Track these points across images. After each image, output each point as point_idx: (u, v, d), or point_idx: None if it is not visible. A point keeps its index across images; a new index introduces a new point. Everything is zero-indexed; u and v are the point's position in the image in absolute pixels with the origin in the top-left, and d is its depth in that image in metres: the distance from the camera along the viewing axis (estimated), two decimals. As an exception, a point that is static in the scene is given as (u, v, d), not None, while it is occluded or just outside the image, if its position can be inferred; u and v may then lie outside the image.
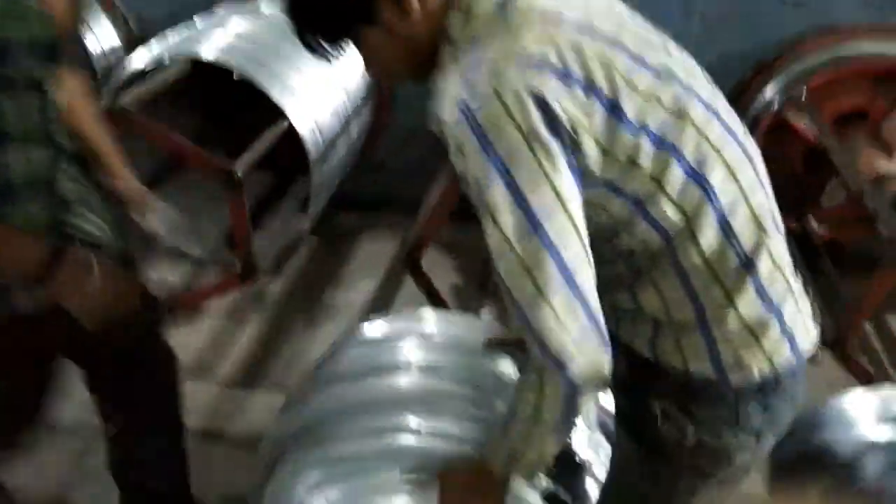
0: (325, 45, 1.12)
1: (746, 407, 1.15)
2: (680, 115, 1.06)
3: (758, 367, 1.12)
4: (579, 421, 1.19)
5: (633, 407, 1.23)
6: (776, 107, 2.78)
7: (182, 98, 2.83)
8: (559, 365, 1.01)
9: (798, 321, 1.15)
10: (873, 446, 1.55)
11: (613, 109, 1.02)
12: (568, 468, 1.38)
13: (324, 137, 2.66)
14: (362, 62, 1.16)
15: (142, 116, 2.40)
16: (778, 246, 1.13)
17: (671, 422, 1.17)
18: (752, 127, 2.77)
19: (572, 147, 1.01)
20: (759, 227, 1.10)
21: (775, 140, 2.77)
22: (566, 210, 0.99)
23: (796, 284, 1.16)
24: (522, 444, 1.12)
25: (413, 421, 1.34)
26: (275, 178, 3.18)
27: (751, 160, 1.13)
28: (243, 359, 2.63)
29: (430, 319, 1.63)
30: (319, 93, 2.70)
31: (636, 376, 1.20)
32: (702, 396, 1.15)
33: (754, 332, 1.11)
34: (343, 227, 3.30)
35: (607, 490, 1.35)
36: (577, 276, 1.00)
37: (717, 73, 1.23)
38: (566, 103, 0.99)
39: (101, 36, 3.02)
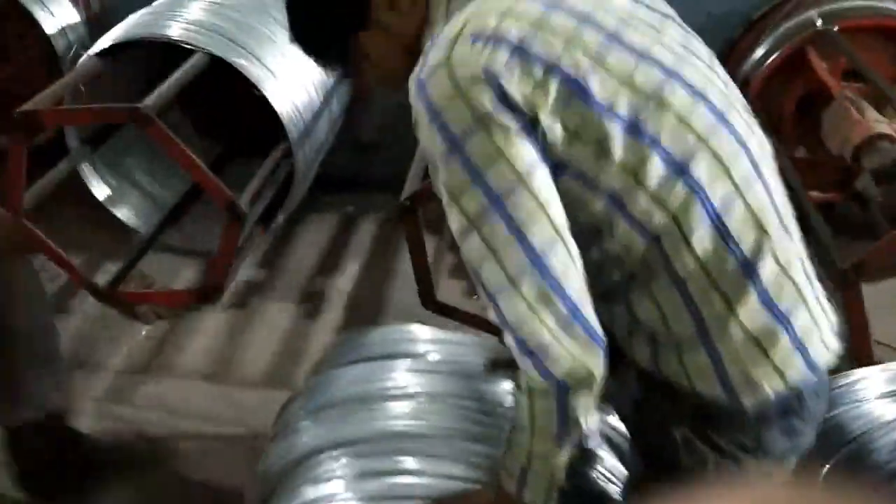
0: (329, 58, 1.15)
1: (769, 432, 1.06)
2: (658, 100, 0.98)
3: (770, 385, 1.03)
4: (592, 435, 1.14)
5: (652, 433, 1.15)
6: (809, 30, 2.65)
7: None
8: (538, 361, 0.95)
9: (813, 334, 1.05)
10: (883, 424, 1.51)
11: (577, 88, 0.96)
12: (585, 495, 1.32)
13: (304, 117, 2.53)
14: (357, 71, 1.14)
15: (164, 130, 2.18)
16: (786, 248, 1.03)
17: (692, 452, 1.09)
18: (743, 87, 2.68)
19: (531, 125, 0.95)
20: (759, 226, 1.00)
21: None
22: (527, 186, 0.94)
23: (812, 292, 1.06)
24: (527, 457, 1.05)
25: (411, 462, 1.27)
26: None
27: (747, 150, 1.02)
28: (234, 354, 2.53)
29: (424, 337, 1.56)
30: (298, 70, 2.56)
31: (652, 399, 1.11)
32: (720, 422, 1.07)
33: (761, 345, 1.01)
34: (326, 210, 3.17)
35: None
36: (549, 258, 0.94)
37: (707, 33, 1.17)
38: (519, 81, 0.95)
39: (59, 14, 2.85)
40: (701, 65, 1.05)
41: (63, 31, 2.87)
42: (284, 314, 2.68)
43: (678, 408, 1.09)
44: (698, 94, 1.01)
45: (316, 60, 1.16)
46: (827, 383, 1.12)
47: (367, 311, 2.70)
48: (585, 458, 1.33)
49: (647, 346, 1.07)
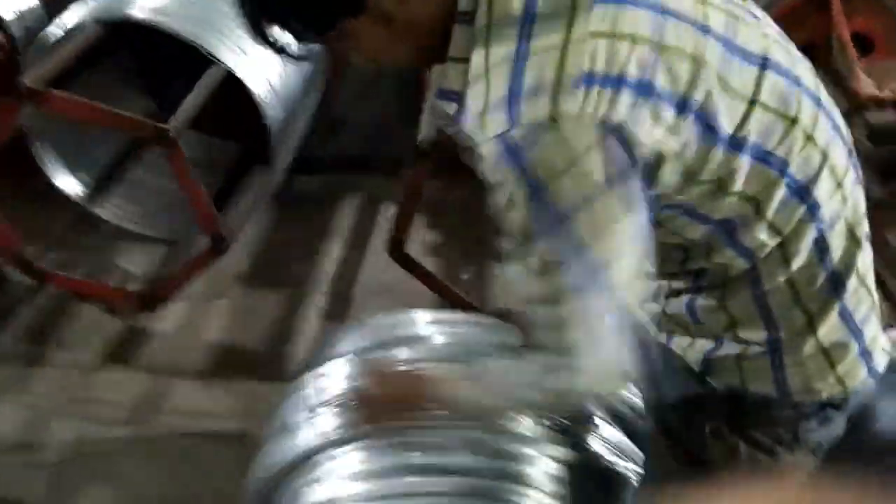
0: (292, 41, 0.92)
1: (807, 424, 1.03)
2: (787, 115, 0.86)
3: (829, 393, 1.00)
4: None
5: (681, 423, 1.12)
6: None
7: (112, 68, 2.56)
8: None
9: (878, 341, 1.02)
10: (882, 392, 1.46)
11: (707, 123, 0.82)
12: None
13: (280, 97, 2.43)
14: (346, 53, 0.96)
15: (50, 92, 2.11)
16: (866, 257, 0.98)
17: (722, 441, 1.06)
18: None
19: (648, 179, 0.83)
20: (853, 238, 0.94)
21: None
22: (623, 256, 0.83)
23: (876, 297, 1.02)
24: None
25: (417, 458, 1.22)
26: (239, 146, 2.93)
27: (852, 158, 0.95)
28: (220, 347, 2.44)
29: (424, 321, 1.49)
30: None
31: (687, 393, 1.08)
32: (758, 417, 1.04)
33: (830, 358, 0.98)
34: (303, 193, 3.06)
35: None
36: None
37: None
38: (649, 127, 0.79)
39: (13, -2, 2.70)
40: (796, 55, 0.93)
41: (20, 15, 2.73)
42: (269, 303, 2.60)
43: (713, 401, 1.05)
44: (815, 99, 0.91)
45: (266, 43, 0.95)
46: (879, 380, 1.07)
47: (355, 294, 2.63)
48: (589, 430, 1.31)
49: (710, 345, 1.01)
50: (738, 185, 0.87)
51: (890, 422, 1.38)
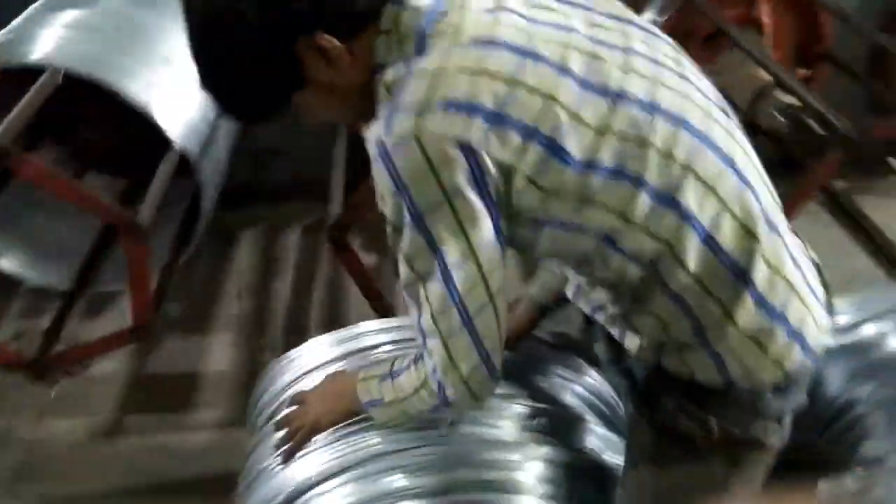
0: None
1: (763, 401, 1.10)
2: (639, 141, 0.98)
3: (769, 377, 1.07)
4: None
5: (646, 406, 1.15)
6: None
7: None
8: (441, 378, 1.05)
9: (807, 320, 1.08)
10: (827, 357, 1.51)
11: (554, 150, 0.95)
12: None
13: (200, 132, 2.31)
14: (299, 116, 1.07)
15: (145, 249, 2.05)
16: (775, 248, 1.05)
17: (690, 417, 1.11)
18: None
19: (505, 197, 0.97)
20: (750, 235, 1.02)
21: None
22: (476, 260, 0.97)
23: (801, 279, 1.08)
24: (394, 402, 1.15)
25: (401, 481, 1.20)
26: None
27: (731, 163, 1.03)
28: (177, 399, 2.34)
29: (370, 330, 1.46)
30: (186, 76, 2.33)
31: (647, 381, 1.13)
32: (716, 400, 1.10)
33: (759, 342, 1.05)
34: (233, 227, 2.98)
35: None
36: (477, 321, 1.01)
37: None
38: (496, 150, 0.94)
39: None
40: (673, 78, 1.04)
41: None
42: (220, 346, 2.51)
43: (672, 385, 1.10)
44: (677, 120, 1.00)
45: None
46: (821, 357, 1.12)
47: (307, 326, 2.56)
48: (576, 430, 1.33)
49: (651, 346, 1.09)
50: (598, 198, 0.98)
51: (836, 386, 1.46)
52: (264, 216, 3.07)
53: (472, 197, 0.94)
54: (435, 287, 0.99)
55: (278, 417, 1.34)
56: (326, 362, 1.42)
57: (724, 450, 1.12)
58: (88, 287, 2.54)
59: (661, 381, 1.11)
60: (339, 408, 1.26)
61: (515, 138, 0.94)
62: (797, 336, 1.06)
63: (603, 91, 0.97)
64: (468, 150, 0.93)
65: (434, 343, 1.03)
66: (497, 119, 0.93)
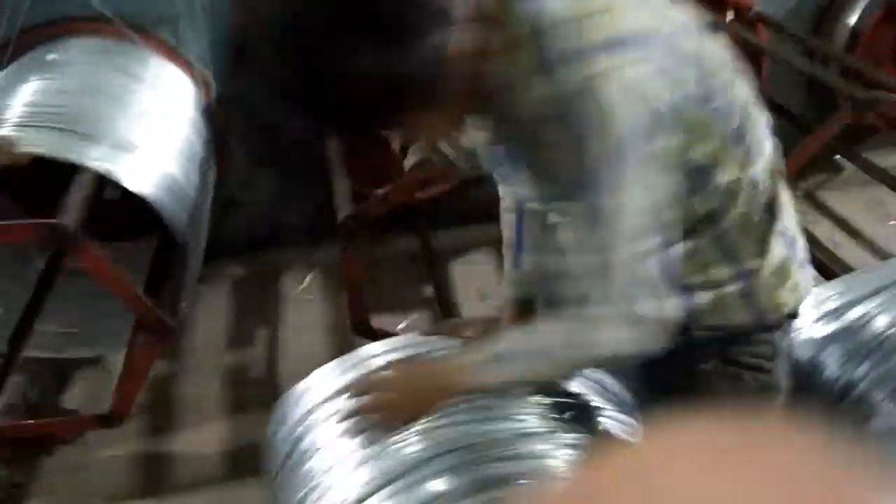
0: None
1: (779, 335, 1.22)
2: (730, 82, 1.08)
3: (791, 302, 1.20)
4: None
5: (676, 378, 1.20)
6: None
7: None
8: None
9: (804, 249, 1.22)
10: (823, 340, 1.61)
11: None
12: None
13: (182, 190, 2.27)
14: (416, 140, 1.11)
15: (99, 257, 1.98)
16: (784, 188, 1.19)
17: (725, 376, 1.20)
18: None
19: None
20: (774, 176, 1.15)
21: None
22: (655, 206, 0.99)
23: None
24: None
25: (441, 485, 1.21)
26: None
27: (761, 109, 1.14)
28: (167, 463, 2.31)
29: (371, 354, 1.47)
30: (160, 132, 2.33)
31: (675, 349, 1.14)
32: (742, 344, 1.20)
33: (784, 271, 1.17)
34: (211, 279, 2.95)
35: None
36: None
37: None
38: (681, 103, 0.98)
39: None
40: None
41: None
42: (208, 405, 2.48)
43: (703, 344, 1.18)
44: (738, 71, 1.10)
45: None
46: None
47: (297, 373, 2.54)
48: (595, 416, 1.37)
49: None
50: (715, 131, 1.05)
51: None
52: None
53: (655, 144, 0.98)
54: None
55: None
56: (339, 390, 1.42)
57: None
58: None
59: (690, 348, 1.16)
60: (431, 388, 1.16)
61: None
62: (804, 265, 1.21)
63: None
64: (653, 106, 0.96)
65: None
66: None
